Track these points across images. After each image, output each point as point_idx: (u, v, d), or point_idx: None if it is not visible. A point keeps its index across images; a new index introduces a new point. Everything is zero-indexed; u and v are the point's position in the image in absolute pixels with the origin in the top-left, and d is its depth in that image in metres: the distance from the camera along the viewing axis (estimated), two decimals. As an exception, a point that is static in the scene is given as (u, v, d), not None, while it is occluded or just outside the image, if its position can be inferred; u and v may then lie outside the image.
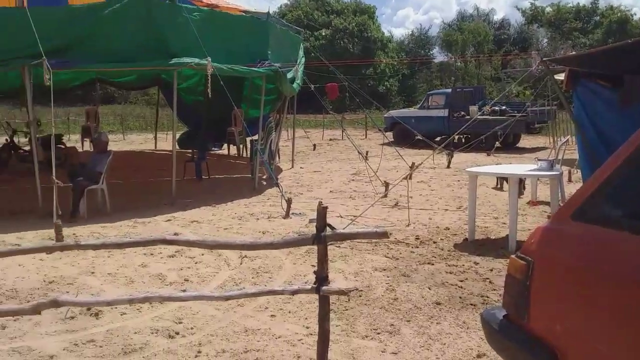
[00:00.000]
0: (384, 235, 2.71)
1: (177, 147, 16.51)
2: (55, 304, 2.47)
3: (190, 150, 12.38)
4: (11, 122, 15.36)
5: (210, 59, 8.57)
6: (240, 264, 5.72)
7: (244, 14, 11.37)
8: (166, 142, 18.73)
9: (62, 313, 4.31)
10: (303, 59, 13.01)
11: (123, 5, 8.37)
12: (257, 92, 11.76)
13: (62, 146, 13.50)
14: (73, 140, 18.17)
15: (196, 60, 8.74)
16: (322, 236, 2.64)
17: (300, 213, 8.07)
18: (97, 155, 8.60)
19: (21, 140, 14.02)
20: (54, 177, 6.96)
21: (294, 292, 2.77)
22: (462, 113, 18.22)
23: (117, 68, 9.64)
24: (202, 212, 8.38)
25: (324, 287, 2.68)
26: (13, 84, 13.34)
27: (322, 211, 2.66)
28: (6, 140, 13.21)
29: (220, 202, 8.94)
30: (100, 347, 3.82)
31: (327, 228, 2.67)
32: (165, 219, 7.89)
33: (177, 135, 17.67)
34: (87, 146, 17.11)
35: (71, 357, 3.66)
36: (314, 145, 17.12)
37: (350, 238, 3.23)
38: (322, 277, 2.69)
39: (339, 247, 6.28)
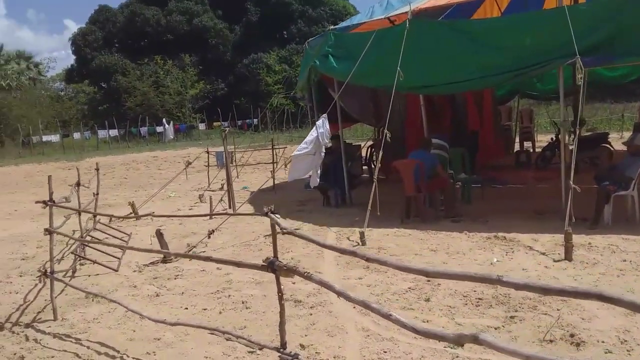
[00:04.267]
0: None
1: None
2: (475, 340, 2.23)
3: None
4: (559, 121, 15.66)
5: None
6: None
7: None
8: None
9: (544, 331, 4.07)
10: None
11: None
12: None
13: (608, 146, 12.90)
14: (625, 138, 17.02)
15: None
16: None
17: None
18: (630, 158, 7.71)
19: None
20: (571, 182, 6.63)
21: None
22: None
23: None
24: None
25: None
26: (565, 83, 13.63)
27: None
28: (551, 139, 13.60)
29: None
30: (566, 383, 3.40)
31: None
32: None
33: None
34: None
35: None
36: None
37: None
38: None
39: None
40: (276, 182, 13.26)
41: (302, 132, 31.39)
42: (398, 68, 8.14)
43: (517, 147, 16.57)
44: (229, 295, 5.44)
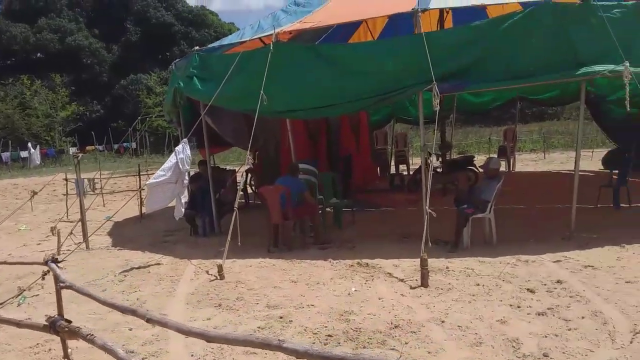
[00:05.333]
0: None
1: (602, 167, 14.67)
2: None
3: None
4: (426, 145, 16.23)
5: (627, 65, 6.90)
6: (631, 342, 4.09)
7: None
8: (591, 161, 16.71)
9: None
10: None
11: (524, 16, 7.55)
12: None
13: (474, 168, 13.47)
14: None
15: (610, 67, 7.18)
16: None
17: None
18: (486, 181, 7.94)
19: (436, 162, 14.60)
20: (427, 207, 6.63)
21: None
22: None
23: (510, 86, 8.78)
24: (603, 253, 6.69)
25: None
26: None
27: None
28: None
29: (632, 241, 6.99)
30: None
31: None
32: (555, 258, 6.59)
33: (602, 154, 15.78)
34: (503, 167, 16.77)
35: None
36: None
37: None
38: None
39: None
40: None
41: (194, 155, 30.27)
42: (261, 91, 7.85)
43: (393, 170, 16.96)
44: (50, 349, 4.69)
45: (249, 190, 13.79)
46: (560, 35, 7.34)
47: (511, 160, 16.78)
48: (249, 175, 14.13)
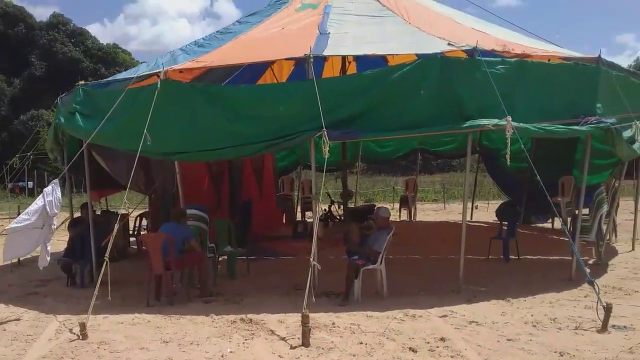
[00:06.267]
0: None
1: (497, 219, 15.17)
2: None
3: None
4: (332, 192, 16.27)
5: (510, 119, 7.05)
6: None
7: (565, 61, 9.34)
8: (487, 212, 17.29)
9: None
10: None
11: (413, 67, 7.64)
12: (595, 155, 9.39)
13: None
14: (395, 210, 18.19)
15: (494, 121, 7.32)
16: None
17: (625, 327, 5.59)
18: (378, 232, 7.77)
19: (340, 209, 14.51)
20: (312, 260, 6.30)
21: None
22: None
23: (398, 136, 8.85)
24: (489, 308, 6.63)
25: None
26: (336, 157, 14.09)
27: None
28: (324, 210, 13.84)
29: (518, 295, 7.03)
30: None
31: None
32: (442, 312, 6.44)
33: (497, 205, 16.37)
34: (404, 216, 17.00)
35: None
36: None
37: None
38: None
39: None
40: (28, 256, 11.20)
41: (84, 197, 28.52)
42: (145, 131, 7.34)
43: (299, 217, 16.70)
44: None
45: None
46: (447, 88, 7.46)
47: (412, 210, 17.04)
48: (144, 219, 13.35)
